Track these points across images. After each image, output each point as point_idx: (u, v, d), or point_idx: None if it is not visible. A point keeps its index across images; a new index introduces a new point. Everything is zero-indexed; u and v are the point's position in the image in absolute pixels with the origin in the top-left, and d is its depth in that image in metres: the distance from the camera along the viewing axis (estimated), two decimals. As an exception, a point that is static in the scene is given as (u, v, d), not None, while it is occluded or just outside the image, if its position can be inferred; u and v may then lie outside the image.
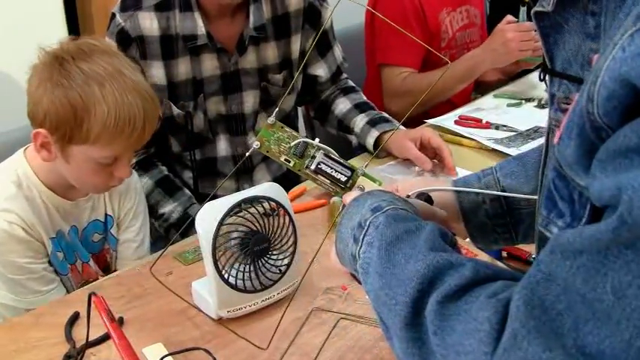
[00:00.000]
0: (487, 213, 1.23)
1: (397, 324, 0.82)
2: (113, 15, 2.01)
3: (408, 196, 1.20)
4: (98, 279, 1.78)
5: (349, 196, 1.11)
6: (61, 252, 1.71)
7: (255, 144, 1.23)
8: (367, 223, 0.93)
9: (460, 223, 1.25)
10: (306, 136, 1.29)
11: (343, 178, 1.23)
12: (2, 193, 1.63)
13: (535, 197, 1.09)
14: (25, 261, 1.63)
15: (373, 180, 1.24)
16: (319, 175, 1.23)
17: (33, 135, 1.58)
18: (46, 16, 3.30)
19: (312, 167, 1.23)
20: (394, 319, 0.83)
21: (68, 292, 1.73)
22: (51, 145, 1.58)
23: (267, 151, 1.25)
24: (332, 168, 1.23)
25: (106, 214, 1.82)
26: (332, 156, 1.24)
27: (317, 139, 1.24)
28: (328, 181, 1.24)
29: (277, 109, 1.27)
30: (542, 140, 2.21)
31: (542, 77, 0.90)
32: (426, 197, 1.23)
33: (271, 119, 1.23)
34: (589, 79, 0.67)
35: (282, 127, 1.24)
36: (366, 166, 1.25)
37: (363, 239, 0.93)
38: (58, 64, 1.56)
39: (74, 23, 3.35)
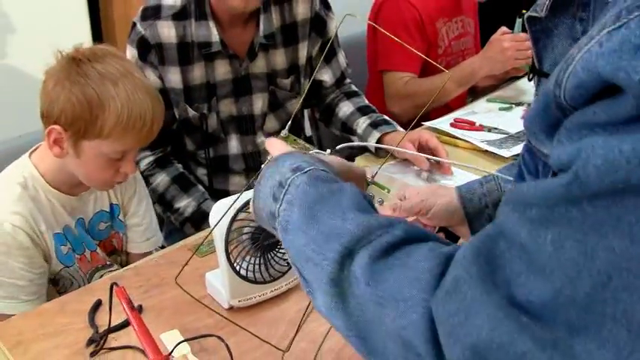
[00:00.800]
0: (490, 217, 1.23)
1: (323, 279, 0.79)
2: (134, 24, 2.02)
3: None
4: (106, 264, 1.80)
5: (271, 145, 1.08)
6: (66, 245, 1.70)
7: (270, 156, 1.23)
8: (288, 182, 0.89)
9: (465, 226, 1.25)
10: (318, 147, 1.28)
11: None
12: (9, 195, 1.63)
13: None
14: (17, 265, 1.61)
15: (382, 187, 1.24)
16: None
17: (47, 132, 1.58)
18: (71, 23, 3.31)
19: None
20: (319, 274, 0.80)
21: (76, 280, 1.74)
22: (63, 141, 1.59)
23: None
24: None
25: (111, 204, 1.82)
26: None
27: (328, 151, 1.24)
28: None
29: (290, 122, 1.26)
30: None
31: (530, 77, 0.91)
32: (447, 232, 1.23)
33: (284, 132, 1.22)
34: (559, 66, 0.68)
35: (294, 140, 1.23)
36: (374, 176, 1.25)
37: (283, 198, 0.89)
38: (75, 64, 1.57)
39: (98, 29, 3.36)
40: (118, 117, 1.55)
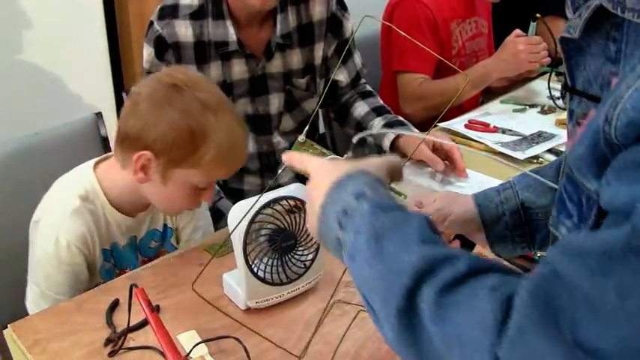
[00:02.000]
0: (507, 224, 1.22)
1: (389, 312, 0.79)
2: (151, 23, 2.01)
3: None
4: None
5: (296, 157, 1.06)
6: (109, 262, 1.66)
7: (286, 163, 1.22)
8: (352, 210, 0.88)
9: (481, 233, 1.24)
10: (331, 146, 1.27)
11: None
12: (68, 207, 1.57)
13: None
14: (64, 281, 1.58)
15: (399, 194, 1.23)
16: None
17: (136, 157, 1.51)
18: (86, 20, 3.31)
19: None
20: (386, 307, 0.80)
21: None
22: (150, 168, 1.52)
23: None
24: None
25: (165, 225, 1.78)
26: None
27: (345, 156, 1.22)
28: None
29: (307, 127, 1.24)
30: (546, 145, 2.21)
31: (563, 94, 0.90)
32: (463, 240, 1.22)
33: (302, 137, 1.21)
34: (607, 101, 0.67)
35: (312, 145, 1.22)
36: (389, 183, 1.23)
37: (349, 226, 0.88)
38: (175, 91, 1.50)
39: (113, 27, 3.36)
40: (219, 149, 1.50)
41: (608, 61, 0.79)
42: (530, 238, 1.22)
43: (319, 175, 0.98)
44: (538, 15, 2.50)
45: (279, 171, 1.23)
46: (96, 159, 1.68)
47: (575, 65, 0.84)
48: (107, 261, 1.66)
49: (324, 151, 1.23)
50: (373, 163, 1.00)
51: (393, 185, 1.23)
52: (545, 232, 1.18)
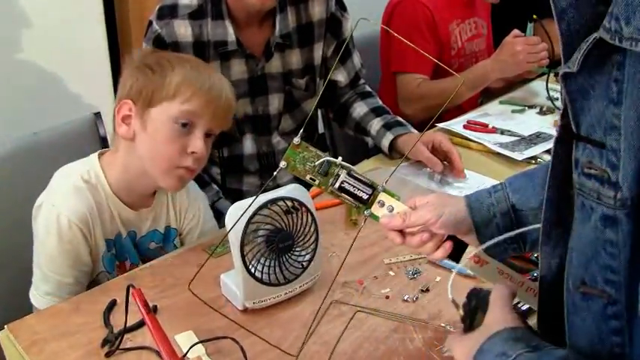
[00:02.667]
0: (498, 226, 1.22)
1: None
2: (150, 22, 2.00)
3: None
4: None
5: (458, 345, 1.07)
6: (111, 251, 1.67)
7: (282, 164, 1.21)
8: None
9: (473, 234, 1.23)
10: (331, 147, 1.27)
11: (365, 196, 1.22)
12: (70, 186, 1.60)
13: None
14: (66, 262, 1.58)
15: (392, 195, 1.23)
16: (342, 193, 1.22)
17: (117, 110, 1.61)
18: (86, 20, 3.30)
19: (336, 186, 1.22)
20: None
21: None
22: (131, 117, 1.60)
23: (293, 170, 1.22)
24: (354, 186, 1.21)
25: (167, 227, 1.77)
26: (354, 174, 1.22)
27: (340, 158, 1.22)
28: (351, 199, 1.22)
29: (302, 130, 1.24)
30: (544, 145, 2.20)
31: (558, 135, 0.88)
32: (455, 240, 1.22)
33: (297, 140, 1.20)
34: None
35: (307, 147, 1.22)
36: (385, 183, 1.23)
37: None
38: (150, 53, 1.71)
39: (113, 27, 3.35)
40: (185, 74, 1.59)
41: (610, 103, 0.77)
42: (521, 240, 1.21)
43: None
44: (535, 16, 2.50)
45: (276, 172, 1.23)
46: (100, 150, 1.72)
47: (579, 109, 0.82)
48: (109, 251, 1.67)
49: (320, 153, 1.23)
50: (496, 314, 1.04)
51: (385, 185, 1.23)
52: (536, 235, 1.17)
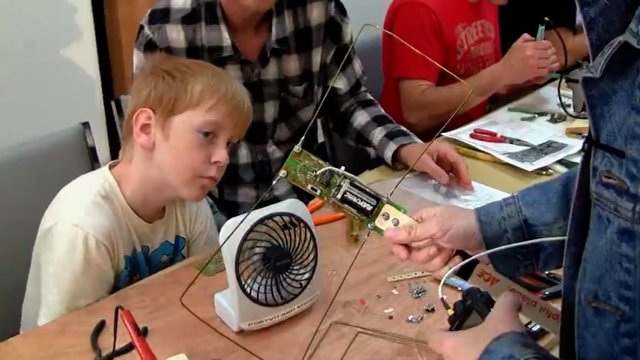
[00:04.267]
0: (509, 242, 1.21)
1: None
2: (141, 27, 2.00)
3: None
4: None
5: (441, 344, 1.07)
6: (127, 269, 1.67)
7: (282, 172, 1.21)
8: None
9: (482, 250, 1.22)
10: (331, 157, 1.26)
11: (369, 208, 1.21)
12: (90, 204, 1.58)
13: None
14: (90, 287, 1.57)
15: (398, 208, 1.22)
16: (345, 204, 1.21)
17: (135, 117, 1.60)
18: (74, 25, 3.30)
19: (339, 197, 1.21)
20: None
21: None
22: (151, 126, 1.60)
23: (294, 180, 1.22)
24: (358, 197, 1.21)
25: (177, 236, 1.79)
26: (357, 184, 1.22)
27: (343, 167, 1.22)
28: (354, 210, 1.22)
29: (303, 137, 1.24)
30: (556, 155, 2.20)
31: (585, 148, 0.87)
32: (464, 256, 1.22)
33: (297, 148, 1.20)
34: None
35: (308, 156, 1.22)
36: (391, 194, 1.22)
37: None
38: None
39: (102, 32, 3.35)
40: (208, 81, 1.60)
41: (633, 110, 0.77)
42: (533, 256, 1.20)
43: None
44: (547, 18, 2.49)
45: (275, 181, 1.22)
46: (110, 162, 1.71)
47: (600, 115, 0.81)
48: (126, 268, 1.66)
49: (321, 162, 1.22)
50: (500, 315, 1.04)
51: (390, 198, 1.22)
52: (550, 251, 1.17)
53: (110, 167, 1.68)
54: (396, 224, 1.22)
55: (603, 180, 0.82)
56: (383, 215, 1.21)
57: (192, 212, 1.81)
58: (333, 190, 1.21)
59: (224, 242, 1.33)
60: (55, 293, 1.57)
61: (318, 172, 1.21)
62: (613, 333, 0.84)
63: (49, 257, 1.58)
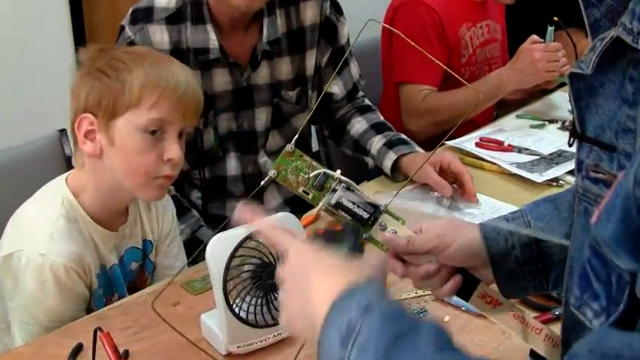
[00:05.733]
0: (517, 259, 1.19)
1: None
2: (122, 27, 2.01)
3: None
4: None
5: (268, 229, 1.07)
6: (100, 288, 1.67)
7: (272, 172, 1.21)
8: (358, 325, 0.84)
9: (488, 269, 1.22)
10: (326, 166, 1.26)
11: (365, 215, 1.21)
12: (54, 229, 1.58)
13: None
14: (67, 312, 1.59)
15: (396, 218, 1.22)
16: (339, 210, 1.21)
17: (77, 125, 1.59)
18: (50, 25, 3.30)
19: (332, 202, 1.21)
20: None
21: None
22: (95, 132, 1.59)
23: (284, 181, 1.22)
24: (353, 203, 1.21)
25: (144, 240, 1.80)
26: (354, 190, 1.21)
27: (338, 171, 1.22)
28: (349, 217, 1.21)
29: (297, 136, 1.24)
30: (567, 166, 2.20)
31: (570, 142, 0.88)
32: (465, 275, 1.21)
33: (290, 146, 1.20)
34: (637, 160, 0.65)
35: (301, 156, 1.22)
36: (389, 203, 1.22)
37: (353, 343, 0.84)
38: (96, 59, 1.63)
39: (81, 33, 3.35)
40: (146, 75, 1.57)
41: (625, 104, 0.78)
42: (543, 275, 1.19)
43: (303, 272, 0.97)
44: (556, 18, 2.50)
45: (263, 182, 1.22)
46: (63, 175, 1.71)
47: (585, 108, 0.83)
48: (100, 287, 1.67)
49: (315, 163, 1.22)
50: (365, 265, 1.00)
51: (389, 208, 1.22)
52: (560, 270, 1.16)
53: (67, 178, 1.69)
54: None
55: (591, 175, 0.83)
56: (380, 225, 1.21)
57: (159, 212, 1.82)
58: (326, 195, 1.21)
59: (197, 248, 1.32)
60: (34, 324, 1.59)
61: (311, 175, 1.21)
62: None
63: (14, 286, 1.60)
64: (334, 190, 1.21)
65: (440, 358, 0.78)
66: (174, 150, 1.60)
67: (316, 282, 0.93)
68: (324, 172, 1.21)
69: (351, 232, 1.11)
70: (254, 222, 1.08)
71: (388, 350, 0.81)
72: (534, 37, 2.50)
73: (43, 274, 1.55)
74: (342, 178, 1.21)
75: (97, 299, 1.67)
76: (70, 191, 1.64)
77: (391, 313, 0.86)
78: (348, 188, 1.21)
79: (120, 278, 1.72)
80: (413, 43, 1.39)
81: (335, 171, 1.22)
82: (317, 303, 0.90)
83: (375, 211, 1.21)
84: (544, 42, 2.50)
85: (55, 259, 1.55)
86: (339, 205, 1.21)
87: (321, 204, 1.22)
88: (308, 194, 1.22)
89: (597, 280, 0.76)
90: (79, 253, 1.59)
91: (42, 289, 1.55)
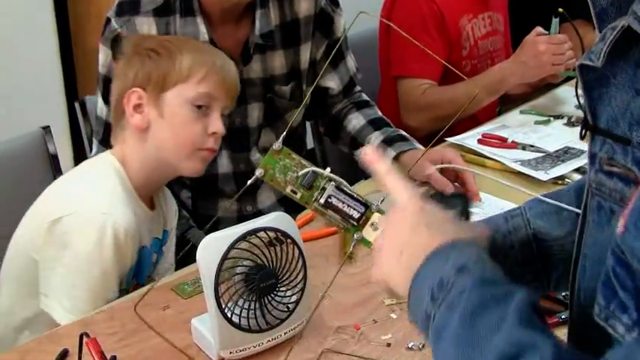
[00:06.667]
0: (516, 259, 1.19)
1: None
2: (108, 20, 2.01)
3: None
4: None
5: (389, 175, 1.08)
6: (132, 268, 1.75)
7: (259, 172, 1.21)
8: (450, 283, 0.88)
9: None
10: (322, 164, 1.26)
11: (356, 215, 1.20)
12: (115, 195, 1.69)
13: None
14: (111, 277, 1.67)
15: None
16: (329, 210, 1.21)
17: (126, 100, 1.72)
18: (32, 19, 3.30)
19: (322, 201, 1.21)
20: None
21: None
22: (144, 105, 1.72)
23: (272, 180, 1.22)
24: (343, 202, 1.20)
25: (164, 230, 1.89)
26: (344, 188, 1.22)
27: (328, 169, 1.22)
28: (339, 217, 1.21)
29: (285, 133, 1.24)
30: (573, 163, 2.20)
31: (582, 134, 0.88)
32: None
33: (278, 144, 1.21)
34: None
35: (289, 154, 1.22)
36: (382, 202, 1.22)
37: (443, 300, 0.87)
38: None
39: (65, 26, 3.35)
40: (194, 54, 1.74)
41: (638, 94, 0.78)
42: (545, 275, 1.19)
43: (408, 221, 1.00)
44: (561, 10, 2.49)
45: (250, 181, 1.22)
46: (106, 151, 1.83)
47: (597, 99, 0.83)
48: (133, 266, 1.75)
49: (304, 161, 1.22)
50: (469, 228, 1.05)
51: (382, 207, 1.22)
52: (563, 270, 1.16)
53: (110, 152, 1.79)
54: None
55: (605, 168, 0.83)
56: (372, 225, 1.21)
57: (171, 204, 1.94)
58: (315, 194, 1.21)
59: (182, 249, 1.33)
60: (85, 289, 1.65)
61: (299, 173, 1.21)
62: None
63: (60, 252, 1.65)
64: (324, 189, 1.21)
65: (520, 335, 0.79)
66: (218, 124, 1.76)
67: (419, 233, 0.97)
68: (313, 171, 1.21)
69: (461, 198, 1.12)
70: (374, 165, 1.10)
71: (474, 314, 0.83)
72: (539, 28, 2.50)
73: (105, 233, 1.62)
74: (332, 176, 1.21)
75: (128, 280, 1.74)
76: (119, 161, 1.75)
77: (486, 278, 0.88)
78: (338, 187, 1.21)
79: (146, 262, 1.80)
80: (410, 38, 1.39)
81: (325, 169, 1.22)
82: (417, 250, 0.94)
83: (367, 209, 1.21)
84: (549, 34, 2.50)
85: (117, 220, 1.63)
86: (328, 204, 1.21)
87: (312, 204, 1.22)
88: (296, 193, 1.22)
89: (623, 289, 0.77)
90: (135, 221, 1.67)
91: (99, 250, 1.63)
